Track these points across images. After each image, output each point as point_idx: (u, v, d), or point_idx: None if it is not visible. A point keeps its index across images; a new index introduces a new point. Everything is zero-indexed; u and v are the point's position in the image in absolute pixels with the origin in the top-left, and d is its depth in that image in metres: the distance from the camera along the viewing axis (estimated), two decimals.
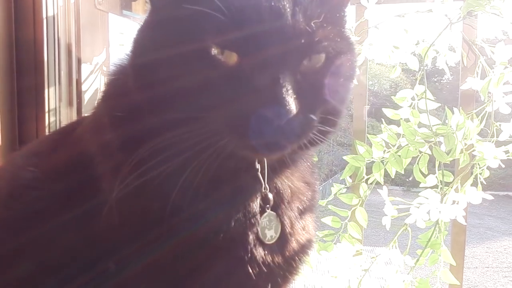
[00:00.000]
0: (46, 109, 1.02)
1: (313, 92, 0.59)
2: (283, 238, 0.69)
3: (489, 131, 1.18)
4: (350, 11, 1.24)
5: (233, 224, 0.63)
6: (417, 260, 1.20)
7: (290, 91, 0.54)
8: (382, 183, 1.24)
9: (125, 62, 0.71)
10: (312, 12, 0.57)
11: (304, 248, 0.73)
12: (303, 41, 0.56)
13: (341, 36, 0.63)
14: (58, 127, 1.05)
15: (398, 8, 1.24)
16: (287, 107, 0.53)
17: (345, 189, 1.31)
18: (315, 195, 0.77)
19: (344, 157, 1.26)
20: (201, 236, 0.62)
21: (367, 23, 1.24)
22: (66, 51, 1.07)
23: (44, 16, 1.01)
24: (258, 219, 0.66)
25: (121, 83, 0.67)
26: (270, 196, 0.67)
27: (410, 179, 1.27)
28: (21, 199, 0.68)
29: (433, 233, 1.19)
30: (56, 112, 1.05)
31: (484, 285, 8.20)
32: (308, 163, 0.76)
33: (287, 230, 0.69)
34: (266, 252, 0.66)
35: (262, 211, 0.67)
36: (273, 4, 0.55)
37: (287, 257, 0.69)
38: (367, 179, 1.28)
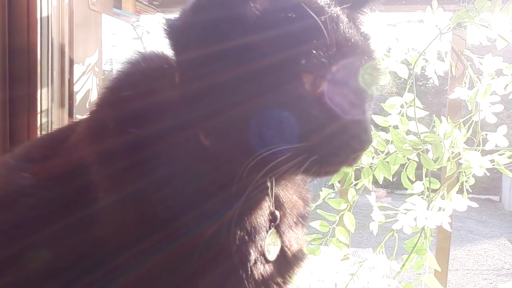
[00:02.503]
0: (38, 110, 1.01)
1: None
2: (281, 252, 0.70)
3: (475, 140, 1.21)
4: None
5: (236, 239, 0.63)
6: (403, 265, 1.22)
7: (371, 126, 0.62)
8: (371, 189, 1.26)
9: (135, 62, 0.70)
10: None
11: (297, 260, 0.74)
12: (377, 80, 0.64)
13: None
14: (50, 129, 1.04)
15: (390, 17, 1.26)
16: (370, 141, 0.60)
17: (334, 194, 1.32)
18: (308, 209, 0.78)
19: None
20: (198, 247, 0.62)
21: None
22: (59, 51, 1.07)
23: (39, 16, 1.00)
24: (264, 235, 0.66)
25: (137, 91, 0.66)
26: (277, 213, 0.68)
27: (395, 179, 1.29)
28: (14, 206, 0.67)
29: (419, 239, 1.21)
30: (48, 113, 1.04)
31: (464, 287, 8.32)
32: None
33: (284, 244, 0.70)
34: (265, 267, 0.67)
35: (268, 228, 0.67)
36: (362, 42, 0.60)
37: (282, 270, 0.70)
38: (355, 184, 1.30)
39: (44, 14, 1.02)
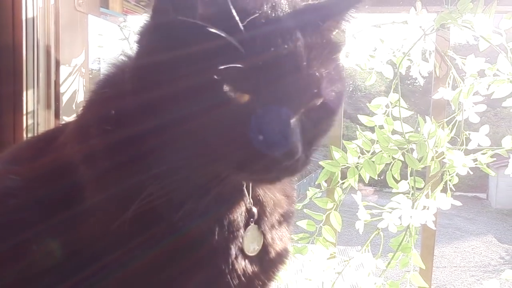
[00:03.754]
0: (24, 112, 1.01)
1: (313, 130, 0.63)
2: (264, 249, 0.71)
3: (458, 140, 1.23)
4: None
5: (216, 236, 0.64)
6: (388, 263, 1.24)
7: (298, 134, 0.58)
8: (357, 189, 1.27)
9: (120, 64, 0.70)
10: (323, 62, 0.60)
11: (281, 257, 0.75)
12: (315, 90, 0.60)
13: (339, 74, 0.66)
14: (36, 130, 1.04)
15: (375, 18, 1.27)
16: (295, 150, 0.57)
17: (320, 193, 1.33)
18: (293, 207, 0.79)
19: (320, 163, 1.29)
20: (183, 247, 0.62)
21: (344, 32, 1.27)
22: (45, 53, 1.06)
23: (24, 18, 1.00)
24: (242, 232, 0.67)
25: (114, 91, 0.66)
26: (255, 210, 0.69)
27: (382, 177, 1.30)
28: (0, 208, 0.67)
29: (404, 237, 1.23)
30: (34, 114, 1.04)
31: (452, 284, 8.43)
32: None
33: (267, 241, 0.71)
34: (247, 263, 0.68)
35: (247, 224, 0.68)
36: (291, 52, 0.57)
37: (266, 267, 0.72)
38: (342, 184, 1.31)
39: (30, 15, 1.02)
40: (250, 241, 0.68)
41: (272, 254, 0.72)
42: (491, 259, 9.87)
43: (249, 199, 0.68)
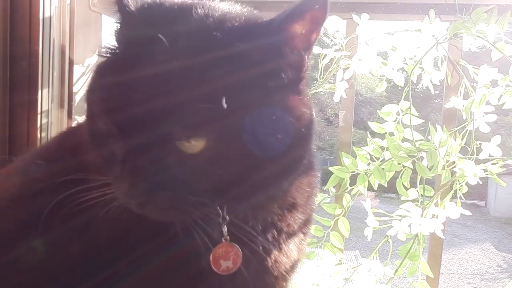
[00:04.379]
0: (39, 111, 1.01)
1: (189, 177, 0.58)
2: (252, 269, 0.69)
3: (469, 149, 1.23)
4: (341, 26, 1.28)
5: (186, 252, 0.64)
6: (396, 271, 1.24)
7: (150, 177, 0.56)
8: (366, 195, 1.27)
9: None
10: (200, 94, 0.54)
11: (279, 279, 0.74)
12: (174, 129, 0.55)
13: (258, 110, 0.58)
14: (49, 129, 1.04)
15: (388, 25, 1.27)
16: (135, 194, 0.57)
17: (329, 199, 1.33)
18: (306, 218, 0.77)
19: (330, 168, 1.29)
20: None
21: (357, 38, 1.27)
22: (59, 52, 1.07)
23: (41, 17, 1.00)
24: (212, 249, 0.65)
25: None
26: (225, 228, 0.65)
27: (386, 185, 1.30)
28: (29, 193, 0.69)
29: (412, 245, 1.23)
30: (48, 113, 1.04)
31: None
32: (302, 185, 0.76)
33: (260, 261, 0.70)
34: (223, 281, 0.67)
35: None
36: (150, 94, 0.55)
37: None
38: (350, 190, 1.31)
39: (47, 15, 1.02)
40: (222, 259, 0.66)
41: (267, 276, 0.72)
42: (488, 267, 9.85)
43: (223, 215, 0.64)
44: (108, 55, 0.63)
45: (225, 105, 0.54)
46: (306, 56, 0.62)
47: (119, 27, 0.66)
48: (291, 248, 0.75)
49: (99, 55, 0.65)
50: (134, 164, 0.56)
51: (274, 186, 0.65)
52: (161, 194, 0.57)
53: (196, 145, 0.55)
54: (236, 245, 0.66)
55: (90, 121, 0.64)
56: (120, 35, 0.65)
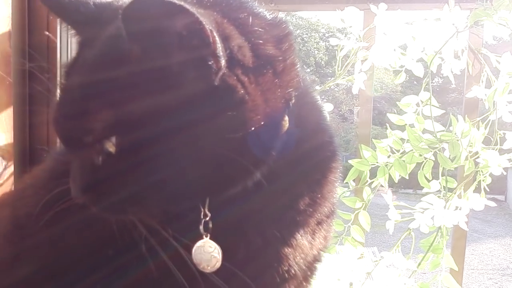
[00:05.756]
0: None
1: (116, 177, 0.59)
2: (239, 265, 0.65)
3: (492, 139, 1.20)
4: (358, 17, 1.26)
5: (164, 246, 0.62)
6: (419, 264, 1.22)
7: (82, 177, 0.60)
8: (387, 188, 1.25)
9: None
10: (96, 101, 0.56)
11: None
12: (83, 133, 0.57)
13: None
14: None
15: (407, 15, 1.25)
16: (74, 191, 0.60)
17: (349, 193, 1.32)
18: (316, 207, 0.72)
19: (349, 161, 1.28)
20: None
21: (375, 29, 1.25)
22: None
23: (58, 20, 1.00)
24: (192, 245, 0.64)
25: None
26: (204, 225, 0.64)
27: (399, 178, 1.28)
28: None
29: (435, 238, 1.21)
30: None
31: (469, 287, 8.30)
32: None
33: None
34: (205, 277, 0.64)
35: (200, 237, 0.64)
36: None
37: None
38: (370, 183, 1.30)
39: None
40: (202, 255, 0.64)
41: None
42: (509, 262, 9.70)
43: (204, 211, 0.63)
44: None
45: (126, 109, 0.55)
46: (210, 56, 0.55)
47: None
48: (300, 240, 0.71)
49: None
50: (72, 167, 0.61)
51: (224, 188, 0.62)
52: (97, 195, 0.59)
53: (108, 148, 0.57)
54: (216, 244, 0.64)
55: None
56: None
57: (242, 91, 0.57)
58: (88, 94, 0.56)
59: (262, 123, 0.59)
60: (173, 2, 0.50)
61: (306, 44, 19.56)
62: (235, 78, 0.57)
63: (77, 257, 0.67)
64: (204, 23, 0.51)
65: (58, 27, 1.03)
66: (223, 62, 0.54)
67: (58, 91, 0.62)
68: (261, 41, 0.61)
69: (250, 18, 0.61)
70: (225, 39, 0.56)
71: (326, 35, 20.11)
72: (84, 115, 0.56)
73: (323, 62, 19.07)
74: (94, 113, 0.55)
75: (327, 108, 1.17)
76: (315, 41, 19.83)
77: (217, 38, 0.53)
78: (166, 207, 0.61)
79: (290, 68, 0.64)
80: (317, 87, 1.35)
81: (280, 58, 0.63)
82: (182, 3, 0.50)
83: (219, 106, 0.56)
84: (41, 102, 1.01)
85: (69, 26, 0.68)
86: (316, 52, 19.50)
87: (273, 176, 0.64)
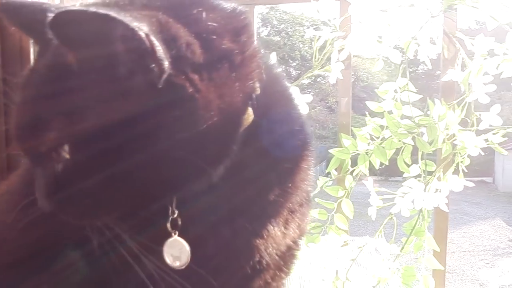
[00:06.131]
0: None
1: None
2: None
3: (469, 121, 1.22)
4: (333, 7, 1.27)
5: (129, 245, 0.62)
6: (402, 248, 1.24)
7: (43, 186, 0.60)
8: (367, 175, 1.27)
9: None
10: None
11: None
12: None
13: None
14: None
15: (381, 2, 1.25)
16: (43, 200, 0.60)
17: (331, 182, 1.33)
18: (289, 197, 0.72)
19: (330, 151, 1.29)
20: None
21: (351, 18, 1.26)
22: None
23: None
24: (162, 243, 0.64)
25: None
26: (178, 221, 0.64)
27: (383, 166, 1.29)
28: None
29: (417, 221, 1.22)
30: None
31: (461, 268, 8.42)
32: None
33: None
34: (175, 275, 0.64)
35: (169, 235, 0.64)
36: None
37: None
38: (352, 171, 1.31)
39: None
40: (171, 253, 0.64)
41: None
42: (500, 242, 9.86)
43: (172, 209, 0.63)
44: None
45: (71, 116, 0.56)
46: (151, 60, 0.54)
47: None
48: (272, 231, 0.70)
49: None
50: (36, 177, 0.61)
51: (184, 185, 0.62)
52: (63, 202, 0.60)
53: (59, 155, 0.58)
54: (184, 241, 0.64)
55: None
56: None
57: (191, 89, 0.56)
58: (39, 105, 0.58)
59: (216, 119, 0.58)
60: (99, 12, 0.50)
61: (291, 38, 19.57)
62: (183, 77, 0.56)
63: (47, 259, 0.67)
64: (135, 29, 0.50)
65: None
66: (165, 64, 0.53)
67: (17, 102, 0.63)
68: (214, 36, 0.60)
69: (204, 13, 0.61)
70: (171, 39, 0.55)
71: (311, 28, 20.14)
72: (36, 125, 0.57)
73: (308, 55, 19.05)
74: (45, 123, 0.56)
75: (305, 99, 1.19)
76: (299, 34, 19.81)
77: (154, 42, 0.52)
78: (131, 209, 0.61)
79: (250, 59, 0.64)
80: (297, 80, 1.36)
81: (237, 51, 0.62)
82: (108, 12, 0.50)
83: (167, 107, 0.56)
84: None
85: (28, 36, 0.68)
86: (301, 45, 19.51)
87: (239, 167, 0.64)
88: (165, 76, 0.54)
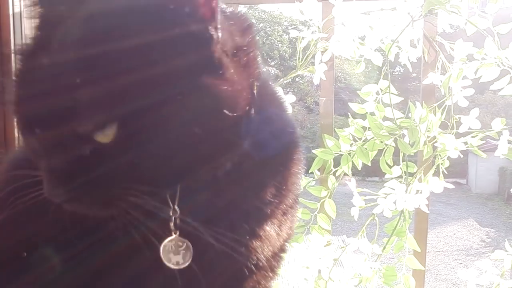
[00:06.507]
0: None
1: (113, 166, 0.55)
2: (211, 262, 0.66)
3: (449, 124, 1.25)
4: (316, 9, 1.28)
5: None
6: (384, 248, 1.25)
7: (69, 174, 0.55)
8: (350, 175, 1.28)
9: None
10: (97, 81, 0.52)
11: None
12: (78, 120, 0.53)
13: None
14: None
15: (364, 5, 1.27)
16: (54, 194, 0.56)
17: (314, 182, 1.34)
18: (283, 199, 0.73)
19: (313, 151, 1.30)
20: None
21: (334, 20, 1.27)
22: None
23: (11, 12, 0.97)
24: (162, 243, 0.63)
25: None
26: (177, 221, 0.63)
27: (364, 168, 1.31)
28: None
29: (398, 221, 1.24)
30: None
31: (435, 268, 8.57)
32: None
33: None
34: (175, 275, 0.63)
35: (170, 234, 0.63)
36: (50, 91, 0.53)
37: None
38: (334, 172, 1.32)
39: (16, 10, 0.99)
40: (172, 253, 0.63)
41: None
42: (472, 242, 10.08)
43: (173, 208, 0.62)
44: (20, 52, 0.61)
45: (125, 91, 0.52)
46: (212, 28, 0.57)
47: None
48: (269, 231, 0.70)
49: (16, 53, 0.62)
50: (51, 163, 0.55)
51: (207, 171, 0.61)
52: (84, 190, 0.55)
53: (106, 133, 0.53)
54: (187, 240, 0.63)
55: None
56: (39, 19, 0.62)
57: (231, 71, 0.59)
58: (83, 72, 0.52)
59: (247, 108, 0.61)
60: None
61: (270, 37, 19.60)
62: (225, 57, 0.59)
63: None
64: None
65: (12, 22, 0.99)
66: (219, 33, 0.56)
67: (20, 75, 0.58)
68: (231, 31, 0.62)
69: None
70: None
71: (289, 28, 20.20)
72: (76, 104, 0.52)
73: (287, 55, 19.15)
74: (90, 100, 0.51)
75: (289, 99, 1.20)
76: (278, 34, 19.88)
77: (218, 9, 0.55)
78: (156, 190, 0.58)
79: (253, 59, 0.66)
80: (281, 80, 1.37)
81: (245, 48, 0.64)
82: None
83: (220, 76, 0.57)
84: None
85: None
86: (279, 45, 19.57)
87: (238, 167, 0.64)
88: (218, 46, 0.56)
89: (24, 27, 1.02)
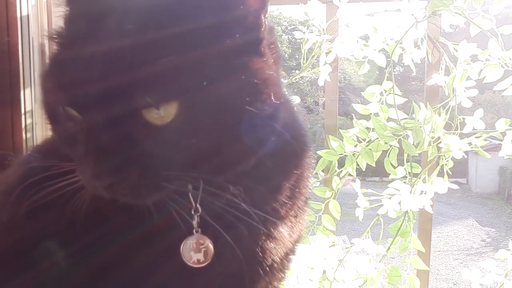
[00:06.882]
0: (22, 111, 0.99)
1: (160, 150, 0.55)
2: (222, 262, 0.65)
3: (453, 124, 1.25)
4: (320, 10, 1.28)
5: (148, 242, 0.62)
6: (388, 248, 1.26)
7: (117, 154, 0.54)
8: (355, 176, 1.29)
9: None
10: (158, 60, 0.53)
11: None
12: (138, 97, 0.52)
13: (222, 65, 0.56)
14: (34, 129, 1.02)
15: (368, 7, 1.28)
16: (99, 175, 0.54)
17: (318, 183, 1.34)
18: (295, 200, 0.73)
19: (318, 152, 1.30)
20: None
21: (338, 22, 1.28)
22: (39, 51, 1.04)
23: (18, 15, 0.98)
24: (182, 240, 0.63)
25: None
26: (197, 218, 0.63)
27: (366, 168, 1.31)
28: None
29: (402, 222, 1.25)
30: (33, 114, 1.02)
31: (436, 268, 8.57)
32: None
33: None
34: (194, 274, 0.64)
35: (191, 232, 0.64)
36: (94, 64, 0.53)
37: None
38: (339, 173, 1.32)
39: (24, 13, 0.99)
40: (192, 251, 0.63)
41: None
42: (473, 242, 10.08)
43: (195, 206, 0.62)
44: (60, 37, 0.62)
45: (187, 69, 0.53)
46: (262, 15, 0.60)
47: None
48: (283, 233, 0.71)
49: (51, 38, 0.63)
50: (97, 142, 0.54)
51: (245, 160, 0.62)
52: (131, 171, 0.54)
53: (165, 113, 0.53)
54: (208, 239, 0.63)
55: (47, 107, 0.62)
56: (72, 12, 0.63)
57: (271, 60, 0.63)
58: (147, 51, 0.53)
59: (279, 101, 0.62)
60: None
61: None
62: (266, 46, 0.62)
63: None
64: None
65: (19, 25, 0.99)
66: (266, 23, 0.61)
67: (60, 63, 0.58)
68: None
69: None
70: None
71: (289, 28, 20.21)
72: (142, 73, 0.52)
73: (286, 55, 19.14)
74: (152, 71, 0.52)
75: (294, 100, 1.20)
76: (278, 34, 19.81)
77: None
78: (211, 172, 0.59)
79: (278, 58, 0.68)
80: (284, 80, 1.37)
81: (273, 46, 0.66)
82: None
83: (265, 61, 0.61)
84: (5, 105, 0.98)
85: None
86: (279, 45, 19.55)
87: (260, 166, 0.65)
88: (264, 32, 0.60)
89: (31, 30, 1.03)
